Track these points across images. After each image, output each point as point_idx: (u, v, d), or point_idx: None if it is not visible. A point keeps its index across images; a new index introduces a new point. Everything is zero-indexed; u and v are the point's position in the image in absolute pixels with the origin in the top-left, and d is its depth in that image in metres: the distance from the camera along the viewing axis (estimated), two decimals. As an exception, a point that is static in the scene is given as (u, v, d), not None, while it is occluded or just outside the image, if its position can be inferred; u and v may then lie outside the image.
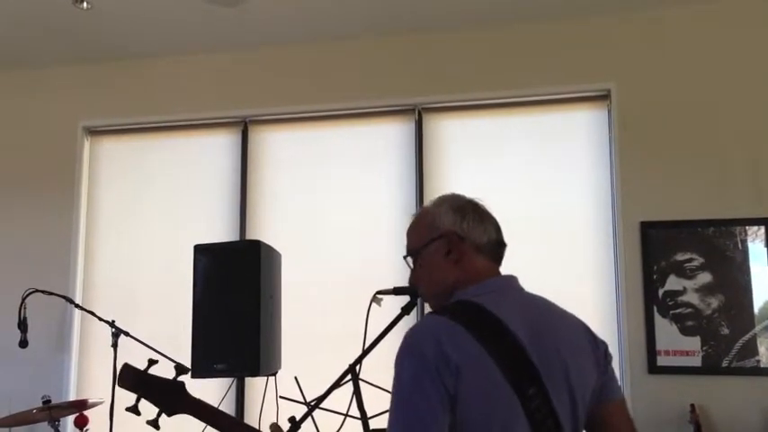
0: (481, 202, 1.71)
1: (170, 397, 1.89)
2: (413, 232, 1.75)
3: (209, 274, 3.00)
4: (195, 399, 1.92)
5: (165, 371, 2.01)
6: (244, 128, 4.57)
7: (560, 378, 1.52)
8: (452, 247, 1.64)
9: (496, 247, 1.67)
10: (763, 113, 3.88)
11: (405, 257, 1.78)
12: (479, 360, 1.44)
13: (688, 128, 3.95)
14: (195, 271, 3.02)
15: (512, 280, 1.66)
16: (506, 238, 1.70)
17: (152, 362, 1.96)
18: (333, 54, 4.47)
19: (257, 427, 1.97)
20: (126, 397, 1.96)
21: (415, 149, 4.31)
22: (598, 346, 1.65)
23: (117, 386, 1.90)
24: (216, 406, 1.93)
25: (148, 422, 1.87)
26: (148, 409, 1.91)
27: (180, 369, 1.98)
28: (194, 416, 1.91)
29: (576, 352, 1.58)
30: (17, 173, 4.76)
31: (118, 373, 1.89)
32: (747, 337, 3.70)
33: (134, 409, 1.90)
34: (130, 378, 1.88)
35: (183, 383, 1.93)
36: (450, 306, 1.58)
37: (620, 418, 1.66)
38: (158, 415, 1.89)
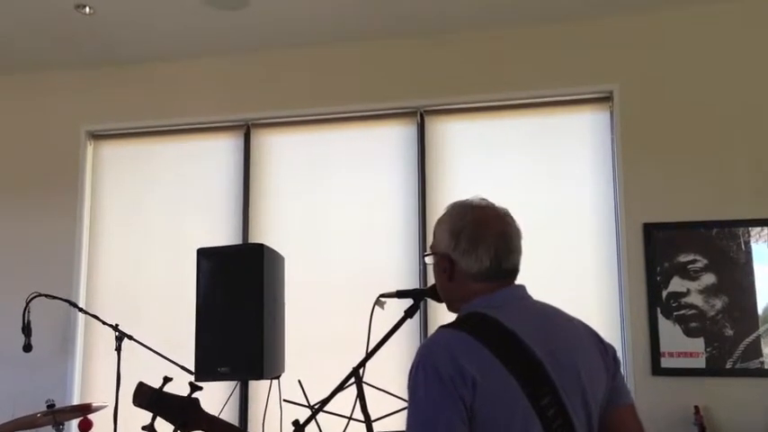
0: (488, 217, 1.64)
1: (185, 414, 1.90)
2: (433, 235, 1.73)
3: (213, 277, 3.00)
4: (210, 415, 1.93)
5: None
6: (246, 131, 4.57)
7: (574, 385, 1.51)
8: (446, 268, 1.64)
9: (494, 273, 1.60)
10: (766, 114, 3.87)
11: (425, 255, 1.78)
12: (494, 371, 1.44)
13: (691, 129, 3.94)
14: (198, 274, 3.01)
15: (519, 290, 1.65)
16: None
17: (167, 379, 1.96)
18: (335, 57, 4.48)
19: (262, 431, 1.98)
20: (130, 401, 1.96)
21: (417, 152, 4.31)
22: (607, 351, 1.65)
23: (133, 405, 1.90)
24: (221, 411, 1.93)
25: None
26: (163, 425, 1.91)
27: (194, 386, 1.99)
28: None
29: (587, 358, 1.58)
30: (20, 177, 4.77)
31: (133, 393, 1.90)
32: (751, 338, 3.70)
33: (150, 428, 1.91)
34: (145, 396, 1.89)
35: (197, 400, 1.93)
36: (462, 318, 1.58)
37: (630, 422, 1.65)
38: None
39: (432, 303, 3.59)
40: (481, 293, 1.60)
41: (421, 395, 1.43)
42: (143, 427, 1.91)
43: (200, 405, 1.92)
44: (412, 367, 1.46)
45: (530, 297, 1.65)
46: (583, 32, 4.18)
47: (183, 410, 1.90)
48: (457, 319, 1.60)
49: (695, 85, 3.98)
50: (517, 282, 1.67)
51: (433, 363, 1.43)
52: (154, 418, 1.89)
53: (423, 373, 1.44)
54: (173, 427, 1.91)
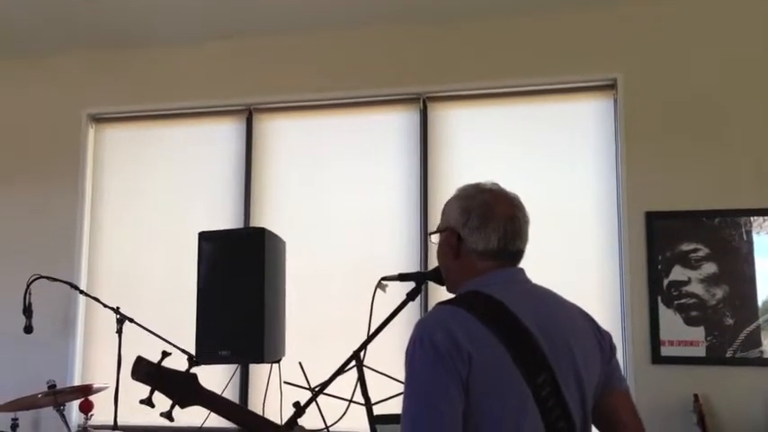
0: (498, 200, 1.65)
1: (183, 389, 1.90)
2: (442, 213, 1.75)
3: (214, 260, 3.01)
4: (208, 390, 1.93)
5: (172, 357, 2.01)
6: (248, 116, 4.56)
7: (569, 367, 1.53)
8: (453, 245, 1.66)
9: (499, 254, 1.63)
10: (771, 104, 3.87)
11: (430, 234, 1.80)
12: (490, 348, 1.45)
13: (694, 118, 3.93)
14: (200, 258, 3.02)
15: (518, 272, 1.67)
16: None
17: (165, 354, 1.96)
18: (338, 42, 4.45)
19: (262, 413, 1.98)
20: (131, 382, 1.97)
21: (419, 138, 4.30)
22: (603, 337, 1.67)
23: (131, 378, 1.90)
24: (221, 393, 1.94)
25: (162, 414, 1.88)
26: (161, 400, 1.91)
27: (192, 362, 1.99)
28: (207, 407, 1.92)
29: (582, 342, 1.60)
30: (22, 160, 4.76)
31: (131, 366, 1.90)
32: (751, 327, 3.70)
33: (148, 402, 1.91)
34: (144, 371, 1.89)
35: (195, 375, 1.93)
36: (460, 296, 1.61)
37: (624, 408, 1.66)
38: (172, 407, 1.90)
39: (433, 287, 3.59)
40: (482, 273, 1.61)
41: (418, 369, 1.44)
42: (141, 401, 1.91)
43: (198, 380, 1.92)
44: (409, 342, 1.48)
45: (529, 280, 1.67)
46: (587, 20, 4.15)
47: (181, 385, 1.90)
48: (456, 296, 1.61)
49: (699, 74, 3.96)
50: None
51: (430, 337, 1.45)
52: (152, 392, 1.89)
53: (420, 348, 1.45)
54: (170, 402, 1.91)
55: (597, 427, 1.66)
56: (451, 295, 1.67)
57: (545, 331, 1.52)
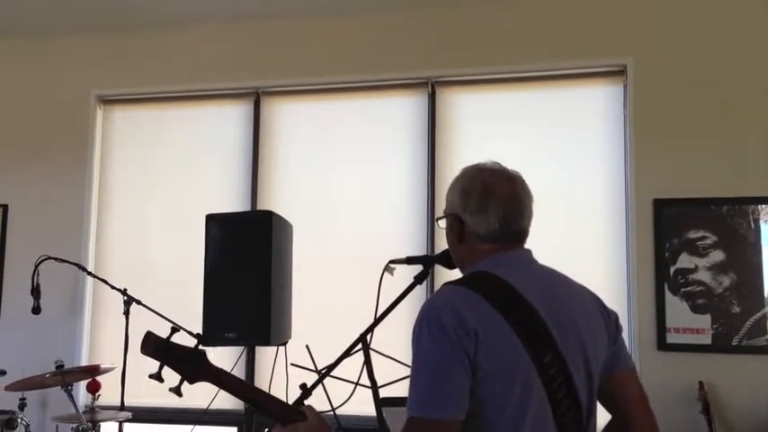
0: (497, 180, 1.63)
1: (192, 364, 1.90)
2: (446, 197, 1.74)
3: (221, 243, 3.01)
4: (216, 367, 1.94)
5: (175, 338, 2.02)
6: (256, 99, 4.55)
7: (575, 346, 1.53)
8: (456, 230, 1.66)
9: (502, 235, 1.61)
10: (782, 91, 3.84)
11: (437, 219, 1.79)
12: (497, 327, 1.45)
13: (704, 105, 3.90)
14: (207, 240, 3.03)
15: (525, 253, 1.67)
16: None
17: (174, 330, 1.97)
18: (347, 26, 4.43)
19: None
20: (138, 363, 1.98)
21: (427, 123, 4.29)
22: (609, 316, 1.68)
23: (140, 353, 1.90)
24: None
25: (171, 389, 1.89)
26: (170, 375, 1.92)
27: (200, 338, 1.99)
28: (215, 384, 1.93)
29: (589, 321, 1.60)
30: (30, 141, 4.76)
31: (141, 341, 1.91)
32: (758, 315, 3.69)
33: (157, 377, 1.92)
34: (153, 345, 1.89)
35: (204, 352, 1.94)
36: (467, 276, 1.61)
37: (630, 386, 1.67)
38: (180, 382, 1.91)
39: (440, 271, 3.58)
40: (489, 254, 1.61)
41: (425, 348, 1.44)
42: (150, 375, 1.92)
43: (207, 357, 1.93)
44: (416, 321, 1.48)
45: (536, 261, 1.67)
46: (598, 5, 4.12)
47: (190, 361, 1.91)
48: (463, 276, 1.62)
49: (710, 61, 3.93)
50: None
51: (437, 316, 1.45)
52: (161, 367, 1.90)
53: (426, 327, 1.45)
54: (179, 378, 1.92)
55: (603, 404, 1.66)
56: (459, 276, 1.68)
57: (552, 311, 1.53)
